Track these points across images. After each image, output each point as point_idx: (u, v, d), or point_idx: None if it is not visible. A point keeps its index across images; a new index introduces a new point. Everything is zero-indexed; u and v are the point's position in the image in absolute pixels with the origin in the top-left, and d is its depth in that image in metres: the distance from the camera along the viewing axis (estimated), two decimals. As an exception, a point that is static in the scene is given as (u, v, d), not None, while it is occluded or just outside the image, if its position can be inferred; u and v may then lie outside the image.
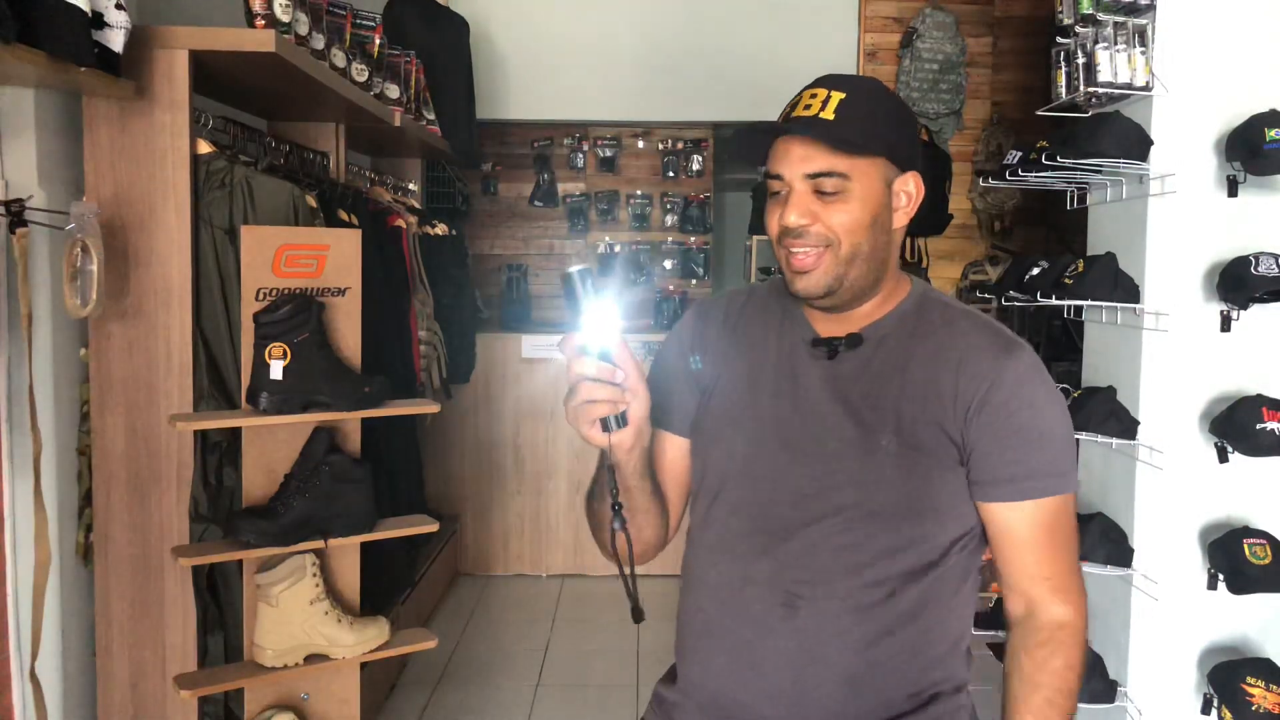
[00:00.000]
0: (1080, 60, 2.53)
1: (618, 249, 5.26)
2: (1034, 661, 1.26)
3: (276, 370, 2.17)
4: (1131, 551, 2.53)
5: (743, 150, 1.31)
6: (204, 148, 2.30)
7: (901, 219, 1.29)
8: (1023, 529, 1.26)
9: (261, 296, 2.21)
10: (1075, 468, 1.29)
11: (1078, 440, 2.67)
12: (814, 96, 1.23)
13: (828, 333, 1.30)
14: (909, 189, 1.28)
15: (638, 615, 1.21)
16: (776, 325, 1.35)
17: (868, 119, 1.22)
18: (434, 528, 2.51)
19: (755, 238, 4.92)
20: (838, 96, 1.21)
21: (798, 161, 1.22)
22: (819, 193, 1.22)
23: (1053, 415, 1.27)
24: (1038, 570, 1.27)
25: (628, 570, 1.21)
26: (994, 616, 2.58)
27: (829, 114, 1.20)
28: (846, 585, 1.22)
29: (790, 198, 1.23)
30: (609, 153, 5.23)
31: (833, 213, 1.22)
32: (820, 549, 1.23)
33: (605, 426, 1.14)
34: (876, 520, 1.22)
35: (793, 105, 1.25)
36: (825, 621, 1.22)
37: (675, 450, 1.37)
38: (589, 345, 1.11)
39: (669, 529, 1.38)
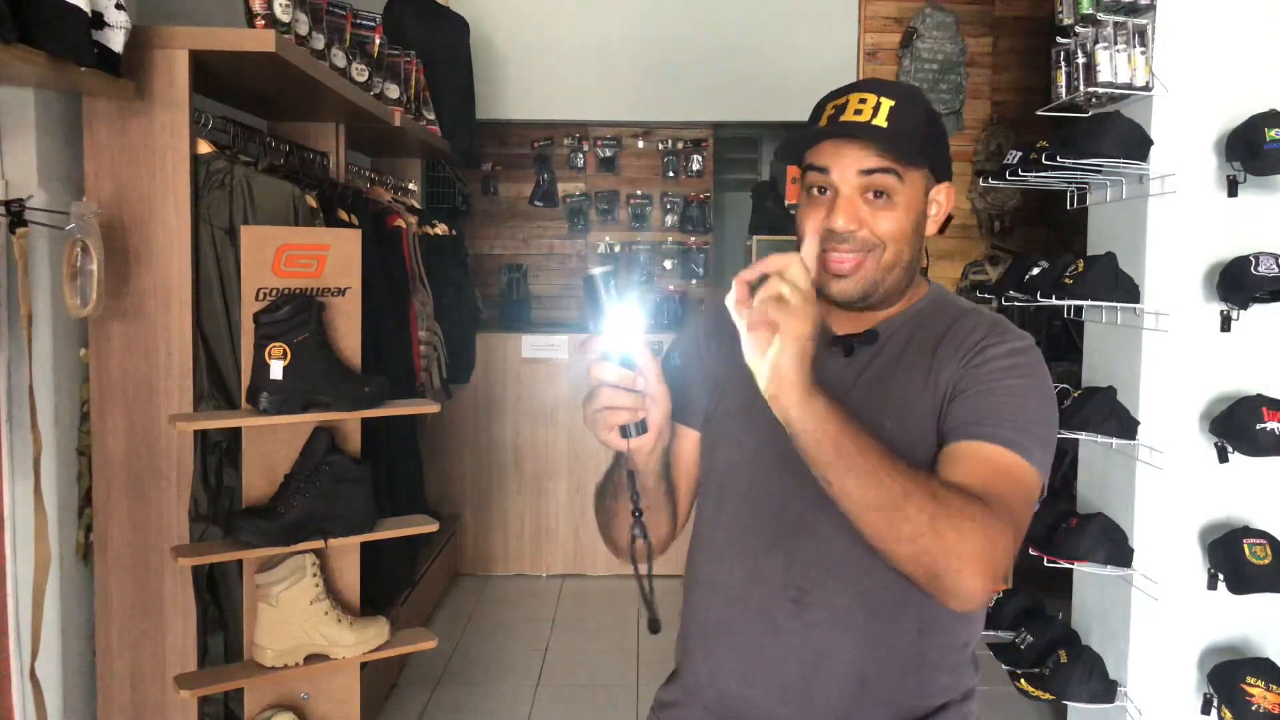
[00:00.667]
0: (1080, 60, 2.53)
1: (617, 249, 5.26)
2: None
3: (276, 370, 2.17)
4: (1131, 551, 2.53)
5: (789, 153, 1.29)
6: (204, 148, 2.30)
7: (932, 228, 1.29)
8: (964, 459, 1.15)
9: (261, 296, 2.21)
10: (1042, 451, 1.19)
11: (1077, 440, 2.67)
12: (863, 101, 1.21)
13: (844, 330, 1.30)
14: (940, 198, 1.29)
15: (654, 626, 1.17)
16: None
17: (917, 129, 1.22)
18: (434, 528, 2.51)
19: (755, 238, 4.92)
20: (888, 104, 1.20)
21: (850, 159, 1.21)
22: (865, 196, 1.21)
23: (1026, 387, 1.21)
24: (961, 481, 1.12)
25: (645, 578, 1.17)
26: (993, 615, 2.58)
27: (882, 121, 1.20)
28: (857, 581, 1.22)
29: (838, 201, 1.22)
30: (609, 153, 5.23)
31: (880, 218, 1.22)
32: (832, 543, 1.23)
33: (625, 433, 1.13)
34: None
35: (838, 108, 1.23)
36: (835, 618, 1.22)
37: (687, 444, 1.37)
38: (610, 350, 1.10)
39: (679, 525, 1.38)
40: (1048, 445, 1.21)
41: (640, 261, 5.24)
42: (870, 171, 1.21)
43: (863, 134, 1.20)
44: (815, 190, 1.25)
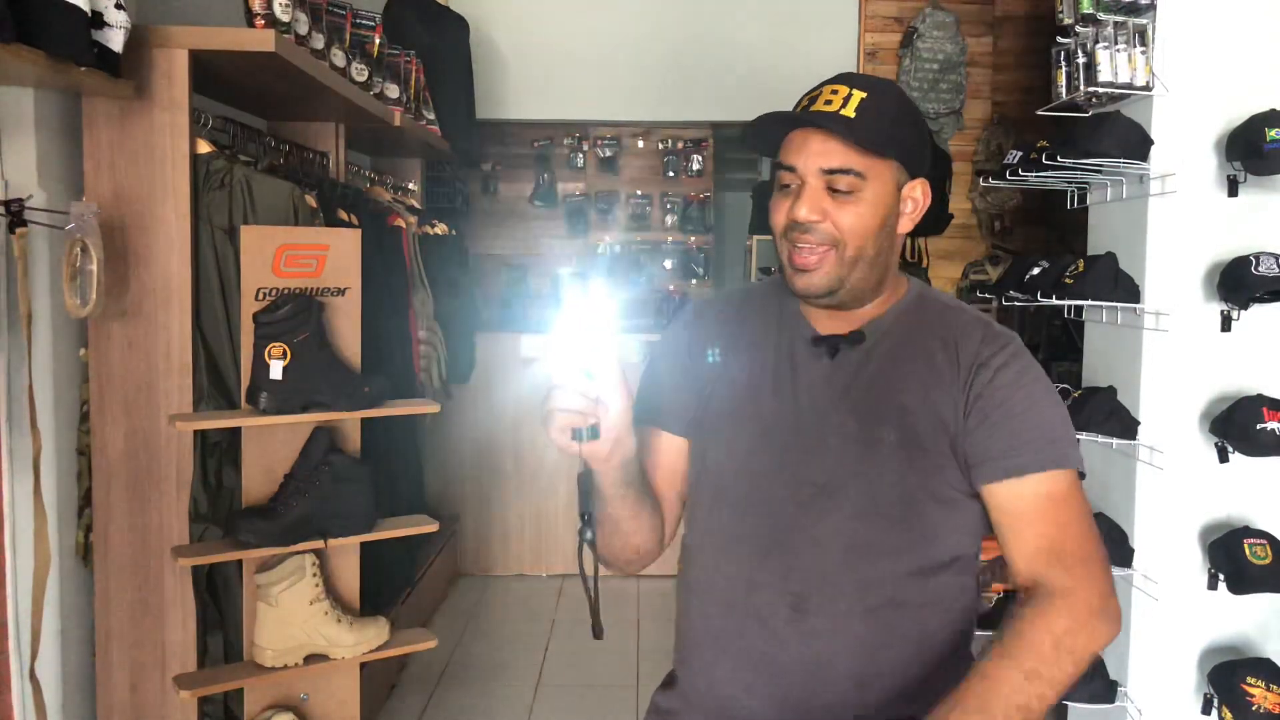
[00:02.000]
0: (1080, 60, 2.53)
1: (618, 249, 5.26)
2: (1018, 621, 1.16)
3: (276, 370, 2.17)
4: (1131, 551, 2.53)
5: (756, 139, 1.29)
6: (204, 147, 2.30)
7: (907, 225, 1.28)
8: (1023, 504, 1.20)
9: (261, 296, 2.21)
10: (1074, 446, 1.25)
11: (1077, 440, 2.67)
12: (835, 93, 1.22)
13: (828, 330, 1.30)
14: (916, 195, 1.28)
15: (598, 632, 1.18)
16: (775, 323, 1.34)
17: (886, 121, 1.22)
18: (434, 528, 2.51)
19: (755, 238, 4.92)
20: (859, 95, 1.21)
21: (814, 155, 1.21)
22: (831, 190, 1.21)
23: (1039, 393, 1.25)
24: (1038, 544, 1.20)
25: (590, 582, 1.18)
26: (994, 616, 2.58)
27: (850, 112, 1.20)
28: (854, 586, 1.22)
29: (802, 192, 1.22)
30: (609, 153, 5.23)
31: (844, 213, 1.21)
32: (828, 548, 1.22)
33: (576, 436, 1.11)
34: (882, 516, 1.22)
35: (811, 99, 1.24)
36: (834, 623, 1.22)
37: (672, 450, 1.36)
38: (573, 352, 1.09)
39: (665, 533, 1.36)
40: (1073, 434, 1.26)
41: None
42: (831, 172, 1.21)
43: (826, 122, 1.20)
44: (783, 187, 1.25)
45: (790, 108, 1.29)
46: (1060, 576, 1.17)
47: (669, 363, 1.38)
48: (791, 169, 1.23)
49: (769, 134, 1.27)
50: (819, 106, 1.22)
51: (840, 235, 1.22)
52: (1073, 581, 1.17)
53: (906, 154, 1.25)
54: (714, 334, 1.37)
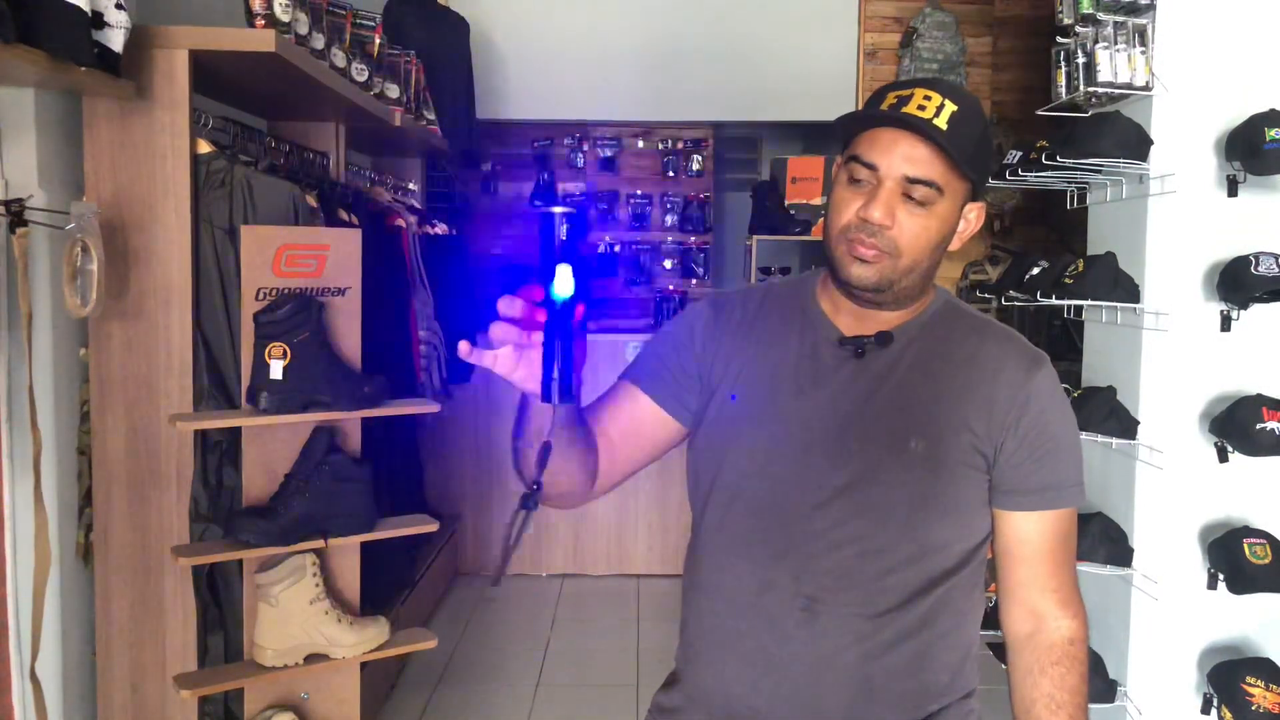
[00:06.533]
0: (1080, 60, 2.53)
1: (618, 249, 5.26)
2: (1053, 681, 1.28)
3: (276, 370, 2.17)
4: (1131, 551, 2.53)
5: (843, 129, 1.26)
6: (204, 147, 2.30)
7: (956, 244, 1.28)
8: (1040, 539, 1.28)
9: (261, 296, 2.21)
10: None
11: (1078, 440, 2.67)
12: (928, 99, 1.19)
13: (853, 332, 1.29)
14: (971, 217, 1.27)
15: (495, 580, 1.15)
16: (797, 323, 1.32)
17: (973, 140, 1.21)
18: (434, 528, 2.52)
19: (755, 237, 4.92)
20: (951, 107, 1.19)
21: (902, 160, 1.19)
22: (906, 197, 1.20)
23: (1074, 427, 1.32)
24: (1048, 581, 1.30)
25: (512, 543, 1.15)
26: (993, 616, 2.58)
27: (942, 123, 1.18)
28: (867, 589, 1.22)
29: (879, 193, 1.20)
30: (609, 153, 5.24)
31: (912, 223, 1.20)
32: (844, 551, 1.22)
33: (546, 393, 1.04)
34: (899, 522, 1.22)
35: (900, 99, 1.21)
36: (845, 626, 1.22)
37: (643, 409, 1.33)
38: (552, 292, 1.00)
39: (596, 483, 1.32)
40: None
41: (629, 262, 5.21)
42: (914, 181, 1.19)
43: (921, 128, 1.18)
44: (855, 181, 1.23)
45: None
46: (1068, 621, 1.30)
47: (673, 336, 1.36)
48: (872, 167, 1.20)
49: (857, 127, 1.25)
50: (911, 109, 1.19)
51: (900, 245, 1.21)
52: (1078, 623, 1.30)
53: (979, 176, 1.25)
54: (732, 330, 1.34)
